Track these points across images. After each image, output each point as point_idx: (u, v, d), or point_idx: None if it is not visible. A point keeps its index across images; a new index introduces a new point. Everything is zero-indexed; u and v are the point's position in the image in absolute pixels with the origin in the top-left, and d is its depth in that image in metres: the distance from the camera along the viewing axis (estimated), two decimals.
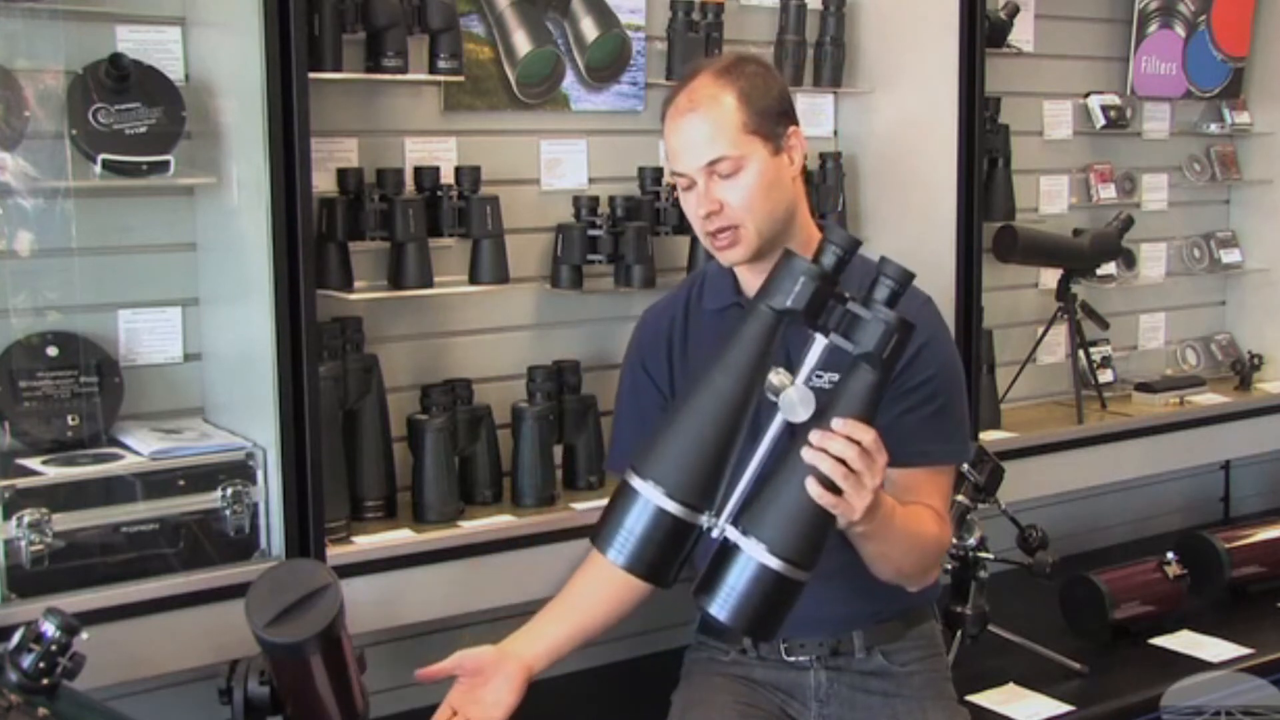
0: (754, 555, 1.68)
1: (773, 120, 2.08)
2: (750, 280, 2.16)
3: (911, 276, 1.74)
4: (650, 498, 1.67)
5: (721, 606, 1.70)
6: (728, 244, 2.09)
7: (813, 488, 1.70)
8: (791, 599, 1.72)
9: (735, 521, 1.70)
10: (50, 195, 2.24)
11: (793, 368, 1.72)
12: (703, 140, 2.05)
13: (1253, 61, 3.96)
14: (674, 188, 2.80)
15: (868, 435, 1.72)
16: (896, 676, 2.23)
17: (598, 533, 1.71)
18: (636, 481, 1.68)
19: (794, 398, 1.69)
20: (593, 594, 2.23)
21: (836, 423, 1.71)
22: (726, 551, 1.71)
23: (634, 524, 1.67)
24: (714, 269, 2.28)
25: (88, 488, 2.17)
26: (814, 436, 1.71)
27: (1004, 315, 3.45)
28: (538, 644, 2.19)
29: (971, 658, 2.70)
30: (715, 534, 1.71)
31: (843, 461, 1.70)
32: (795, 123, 2.12)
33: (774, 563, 1.68)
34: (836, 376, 1.81)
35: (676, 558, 1.70)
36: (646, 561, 1.68)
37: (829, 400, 1.73)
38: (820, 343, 1.73)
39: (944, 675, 2.30)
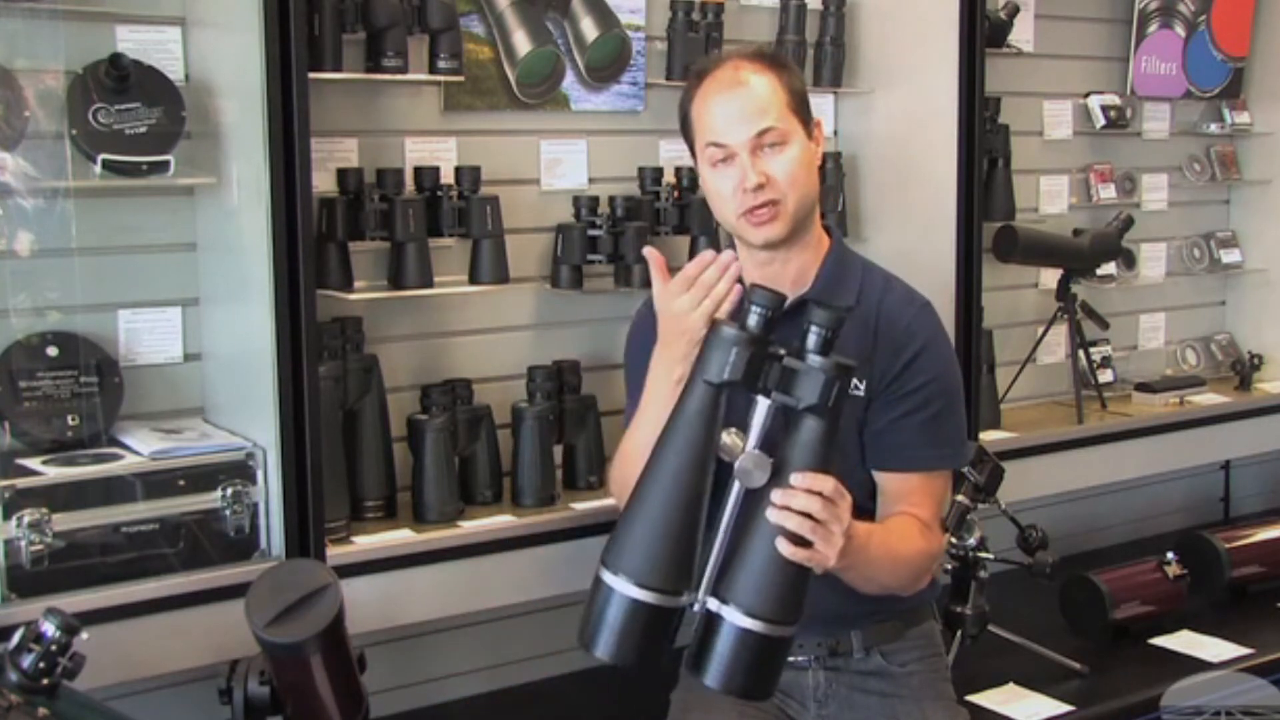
0: (735, 622, 1.70)
1: (805, 106, 2.13)
2: (752, 277, 2.14)
3: (841, 320, 1.73)
4: (623, 591, 1.68)
5: (713, 677, 1.71)
6: (769, 218, 2.07)
7: (784, 546, 1.71)
8: (781, 656, 1.74)
9: (714, 592, 1.72)
10: (50, 195, 2.24)
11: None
12: (754, 112, 2.06)
13: (1253, 61, 3.96)
14: (675, 186, 2.84)
15: (828, 484, 1.73)
16: (895, 676, 2.23)
17: (582, 628, 1.73)
18: (607, 576, 1.70)
19: (748, 465, 1.71)
20: None
21: (795, 478, 1.72)
22: (710, 622, 1.72)
23: (613, 618, 1.69)
24: None
25: (88, 488, 2.17)
26: (776, 496, 1.71)
27: (1004, 315, 3.45)
28: None
29: (971, 658, 2.70)
30: (696, 608, 1.72)
31: (808, 515, 1.71)
32: None
33: (755, 625, 1.69)
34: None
35: (662, 641, 1.72)
36: (631, 651, 1.70)
37: (784, 456, 1.73)
38: (764, 404, 1.73)
39: (943, 675, 2.30)
